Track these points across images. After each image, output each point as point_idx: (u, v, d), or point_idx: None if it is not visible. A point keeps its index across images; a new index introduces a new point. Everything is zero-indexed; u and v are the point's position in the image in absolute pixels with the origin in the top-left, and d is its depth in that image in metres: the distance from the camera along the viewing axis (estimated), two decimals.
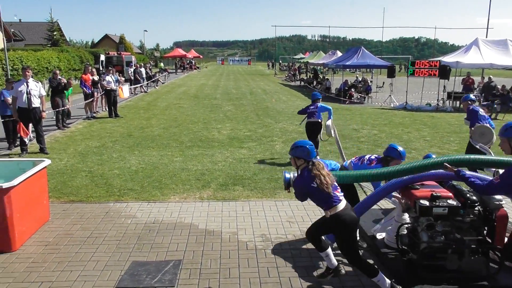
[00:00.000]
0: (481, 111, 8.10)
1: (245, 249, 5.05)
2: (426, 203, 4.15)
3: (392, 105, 20.69)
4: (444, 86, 20.20)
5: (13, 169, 5.71)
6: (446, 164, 4.16)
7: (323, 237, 4.20)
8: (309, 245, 5.12)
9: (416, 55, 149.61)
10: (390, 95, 21.85)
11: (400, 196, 5.01)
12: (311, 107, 9.53)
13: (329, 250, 4.12)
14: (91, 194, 6.92)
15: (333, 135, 8.83)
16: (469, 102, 8.19)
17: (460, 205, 4.17)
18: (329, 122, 8.97)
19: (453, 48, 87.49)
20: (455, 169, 4.10)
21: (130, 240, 5.26)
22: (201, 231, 5.53)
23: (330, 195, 3.87)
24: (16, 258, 4.78)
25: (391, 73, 21.69)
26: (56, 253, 4.86)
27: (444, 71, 19.23)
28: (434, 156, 4.82)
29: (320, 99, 9.71)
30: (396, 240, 4.58)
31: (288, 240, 5.30)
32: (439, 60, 20.38)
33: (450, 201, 4.17)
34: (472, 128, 7.73)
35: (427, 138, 12.11)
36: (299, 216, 6.07)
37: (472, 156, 4.46)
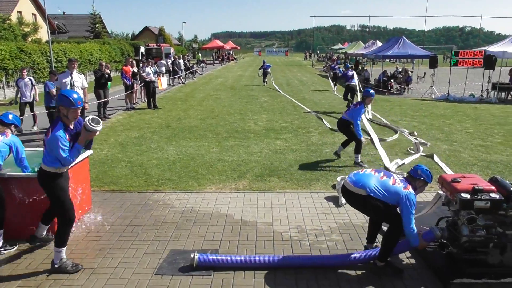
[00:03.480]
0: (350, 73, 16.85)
1: (281, 240, 5.06)
2: (468, 196, 4.04)
3: (433, 96, 20.05)
4: (489, 77, 19.33)
5: None
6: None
7: None
8: (345, 237, 5.09)
9: (460, 45, 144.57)
10: (431, 86, 21.18)
11: None
12: (265, 66, 24.29)
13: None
14: (131, 183, 7.11)
15: (260, 75, 24.08)
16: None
17: (503, 198, 4.04)
18: (268, 70, 24.26)
19: (499, 38, 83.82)
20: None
21: (168, 229, 5.39)
22: (237, 221, 5.58)
23: None
24: None
25: (433, 64, 20.97)
26: (97, 241, 5.04)
27: (490, 61, 18.39)
28: None
29: (265, 62, 24.89)
30: None
31: (324, 231, 5.27)
32: (484, 50, 19.51)
33: (493, 195, 4.05)
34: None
35: (470, 130, 11.68)
36: (335, 208, 6.03)
37: None
